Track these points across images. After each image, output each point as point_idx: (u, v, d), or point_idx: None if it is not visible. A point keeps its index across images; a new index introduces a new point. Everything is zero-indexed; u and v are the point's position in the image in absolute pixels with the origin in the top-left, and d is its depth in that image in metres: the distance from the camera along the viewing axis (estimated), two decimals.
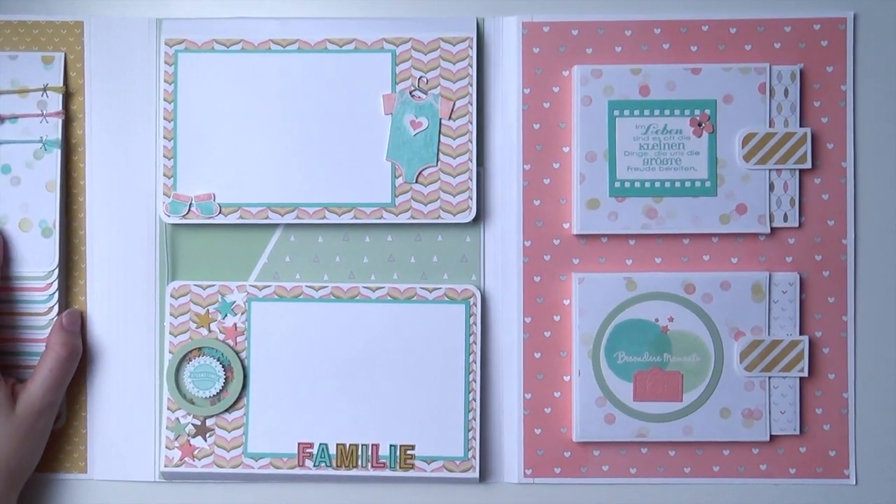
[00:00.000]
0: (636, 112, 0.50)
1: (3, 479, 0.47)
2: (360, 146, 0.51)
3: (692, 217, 0.50)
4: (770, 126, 0.50)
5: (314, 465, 0.51)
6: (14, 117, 0.51)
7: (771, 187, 0.50)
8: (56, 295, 0.51)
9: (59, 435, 0.51)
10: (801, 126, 0.50)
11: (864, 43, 0.51)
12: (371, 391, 0.51)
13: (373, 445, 0.51)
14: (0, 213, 0.51)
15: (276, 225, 0.52)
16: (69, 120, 0.52)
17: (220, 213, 0.51)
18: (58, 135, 0.51)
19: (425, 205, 0.51)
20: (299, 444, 0.51)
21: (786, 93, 0.50)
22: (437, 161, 0.51)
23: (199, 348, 0.51)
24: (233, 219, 0.51)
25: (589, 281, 0.50)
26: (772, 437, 0.50)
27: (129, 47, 0.52)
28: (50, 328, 0.50)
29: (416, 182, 0.51)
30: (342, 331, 0.51)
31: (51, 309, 0.51)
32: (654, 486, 0.51)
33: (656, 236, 0.51)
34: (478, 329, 0.51)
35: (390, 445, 0.51)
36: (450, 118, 0.51)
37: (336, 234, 0.52)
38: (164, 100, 0.51)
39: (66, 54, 0.51)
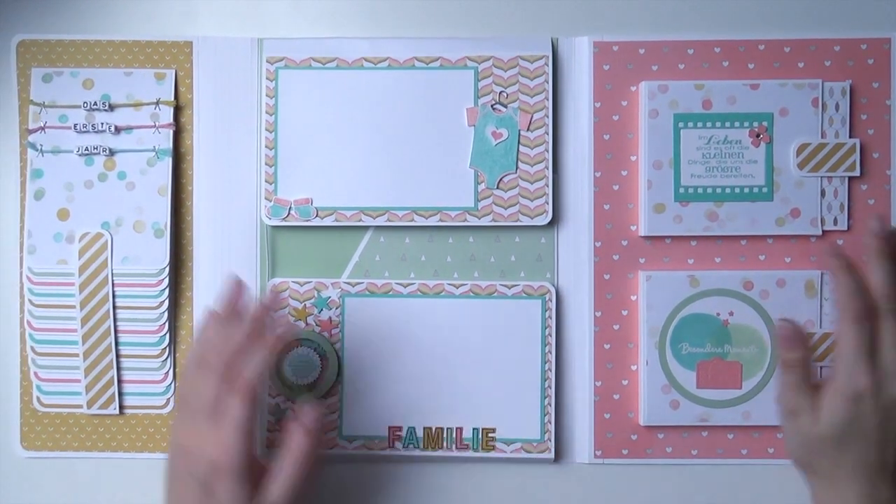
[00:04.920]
0: (699, 124, 0.55)
1: None
2: (446, 155, 0.55)
3: (750, 220, 0.55)
4: (822, 137, 0.54)
5: (403, 447, 0.55)
6: (129, 128, 0.56)
7: (822, 193, 0.55)
8: (167, 291, 0.55)
9: None
10: (850, 137, 0.55)
11: None
12: (455, 379, 0.55)
13: (457, 429, 0.55)
14: (117, 215, 0.56)
15: (367, 227, 0.56)
16: (179, 131, 0.56)
17: (316, 216, 0.55)
18: (169, 144, 0.56)
19: (505, 209, 0.55)
20: (389, 427, 0.55)
21: (836, 107, 0.54)
22: (517, 168, 0.55)
23: (298, 340, 0.56)
24: (328, 221, 0.55)
25: (656, 278, 0.55)
26: None
27: (233, 65, 0.56)
28: (290, 423, 0.49)
29: (497, 188, 0.55)
30: (428, 324, 0.56)
31: (161, 303, 0.56)
32: (713, 466, 0.56)
33: (716, 238, 0.55)
34: (553, 323, 0.55)
35: (473, 429, 0.55)
36: (528, 129, 0.55)
37: (422, 235, 0.56)
38: (266, 112, 0.56)
39: (176, 71, 0.56)
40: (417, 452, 0.55)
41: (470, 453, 0.55)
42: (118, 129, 0.56)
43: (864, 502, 0.48)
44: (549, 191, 0.55)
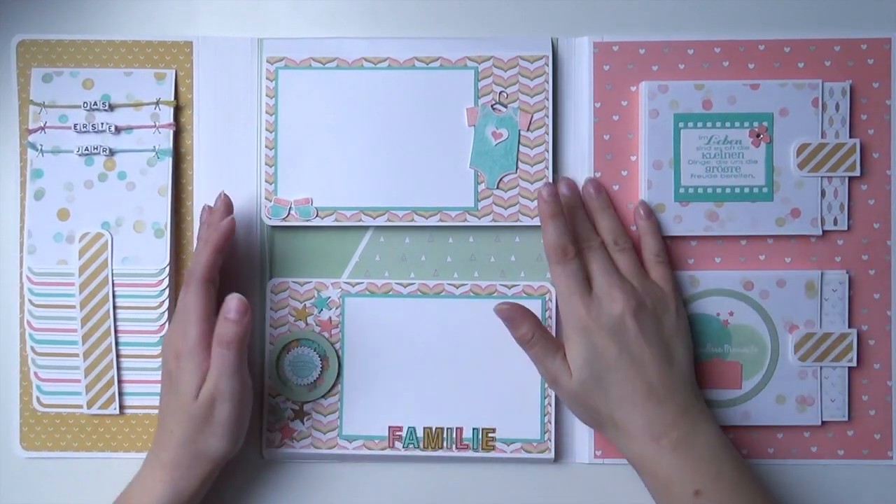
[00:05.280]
0: (699, 124, 0.55)
1: (188, 457, 0.50)
2: (446, 155, 0.55)
3: (750, 220, 0.55)
4: (822, 137, 0.55)
5: (403, 447, 0.55)
6: (129, 128, 0.56)
7: (822, 193, 0.55)
8: (167, 291, 0.55)
9: None
10: (850, 137, 0.55)
11: None
12: (455, 379, 0.55)
13: (457, 429, 0.55)
14: (117, 215, 0.56)
15: (367, 227, 0.56)
16: (179, 131, 0.56)
17: (317, 216, 0.55)
18: (169, 144, 0.56)
19: (506, 209, 0.55)
20: (389, 427, 0.55)
21: (837, 107, 0.54)
22: (517, 168, 0.55)
23: (297, 340, 0.56)
24: (328, 221, 0.55)
25: None
26: (822, 422, 0.55)
27: (233, 65, 0.56)
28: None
29: (497, 188, 0.55)
30: (428, 324, 0.56)
31: (162, 303, 0.56)
32: None
33: (717, 238, 0.55)
34: (553, 322, 0.55)
35: (473, 429, 0.55)
36: (528, 129, 0.55)
37: (422, 235, 0.56)
38: (266, 112, 0.56)
39: (176, 71, 0.56)
40: (417, 452, 0.55)
41: (470, 453, 0.55)
42: (118, 129, 0.56)
43: (647, 433, 0.49)
44: None
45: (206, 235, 0.52)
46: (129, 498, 0.51)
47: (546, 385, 0.55)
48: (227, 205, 0.53)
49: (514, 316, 0.53)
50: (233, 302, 0.50)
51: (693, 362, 0.53)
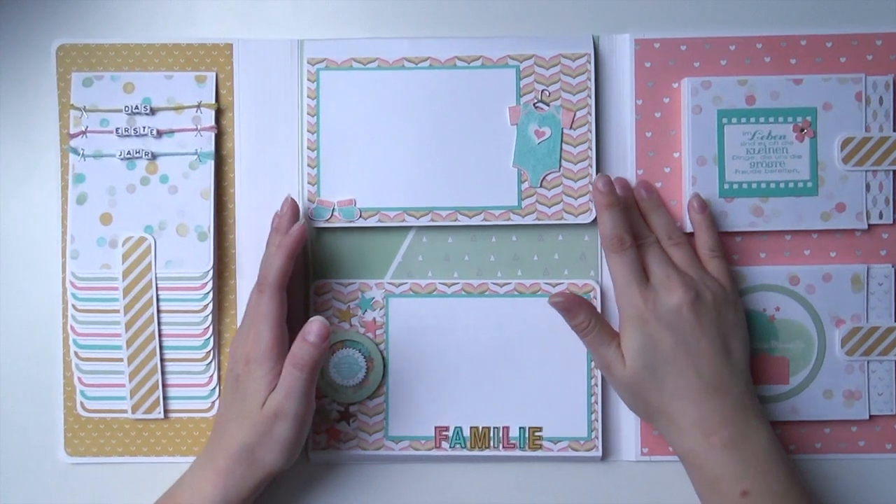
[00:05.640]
0: (743, 120, 0.55)
1: (244, 465, 0.50)
2: (489, 154, 0.55)
3: (795, 215, 0.54)
4: (866, 131, 0.54)
5: (450, 447, 0.55)
6: (171, 132, 0.56)
7: (867, 187, 0.55)
8: (211, 294, 0.55)
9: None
10: (894, 131, 0.55)
11: None
12: (501, 378, 0.55)
13: (504, 428, 0.55)
14: (160, 218, 0.55)
15: (410, 227, 0.56)
16: (221, 134, 0.56)
17: (360, 216, 0.55)
18: (211, 147, 0.56)
19: (549, 207, 0.55)
20: (436, 427, 0.55)
21: (880, 101, 0.54)
22: (560, 167, 0.55)
23: (342, 341, 0.56)
24: (372, 222, 0.55)
25: None
26: (870, 416, 0.55)
27: (274, 67, 0.56)
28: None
29: (541, 186, 0.55)
30: (473, 324, 0.56)
31: (206, 307, 0.55)
32: None
33: (761, 233, 0.55)
34: None
35: (520, 428, 0.55)
36: (571, 127, 0.55)
37: (465, 235, 0.56)
38: (308, 114, 0.55)
39: (217, 74, 0.56)
40: (464, 452, 0.55)
41: (517, 452, 0.55)
42: (160, 133, 0.55)
43: (699, 428, 0.49)
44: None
45: (277, 240, 0.52)
46: (176, 497, 0.51)
47: (598, 375, 0.55)
48: (293, 209, 0.53)
49: (571, 305, 0.53)
50: (315, 325, 0.49)
51: (749, 359, 0.52)
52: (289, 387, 0.49)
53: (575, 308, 0.53)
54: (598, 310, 0.55)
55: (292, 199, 0.53)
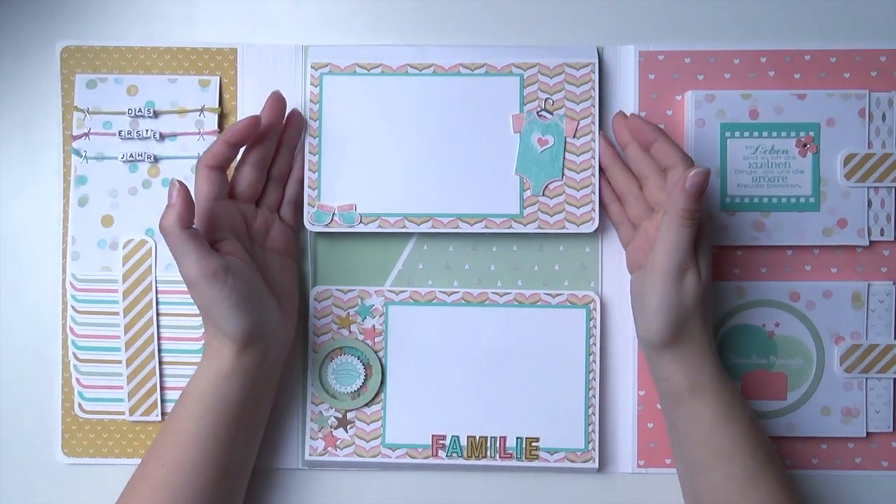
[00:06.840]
0: (746, 134, 0.54)
1: (211, 331, 0.50)
2: (491, 161, 0.55)
3: (797, 230, 0.54)
4: (869, 147, 0.54)
5: (447, 456, 0.55)
6: (174, 135, 0.56)
7: (869, 203, 0.54)
8: None
9: None
10: None
11: None
12: (499, 388, 0.55)
13: (501, 438, 0.55)
14: None
15: (410, 235, 0.56)
16: None
17: (360, 222, 0.55)
18: None
19: (551, 216, 0.55)
20: (433, 435, 0.55)
21: (883, 117, 0.54)
22: (563, 175, 0.55)
23: (341, 348, 0.56)
24: (372, 227, 0.55)
25: None
26: (867, 433, 0.55)
27: (277, 71, 0.56)
28: None
29: (543, 195, 0.55)
30: (472, 333, 0.55)
31: None
32: None
33: (763, 248, 0.55)
34: (597, 332, 0.55)
35: (517, 438, 0.55)
36: (574, 136, 0.55)
37: (465, 243, 0.56)
38: (310, 118, 0.55)
39: (220, 78, 0.56)
40: (461, 461, 0.55)
41: (513, 462, 0.55)
42: (162, 136, 0.55)
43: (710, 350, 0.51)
44: (596, 198, 0.55)
45: None
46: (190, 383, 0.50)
47: (596, 387, 0.55)
48: (275, 101, 0.52)
49: (704, 189, 0.48)
50: (170, 187, 0.47)
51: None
52: (177, 256, 0.47)
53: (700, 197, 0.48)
54: (598, 322, 0.55)
55: (278, 93, 0.53)
